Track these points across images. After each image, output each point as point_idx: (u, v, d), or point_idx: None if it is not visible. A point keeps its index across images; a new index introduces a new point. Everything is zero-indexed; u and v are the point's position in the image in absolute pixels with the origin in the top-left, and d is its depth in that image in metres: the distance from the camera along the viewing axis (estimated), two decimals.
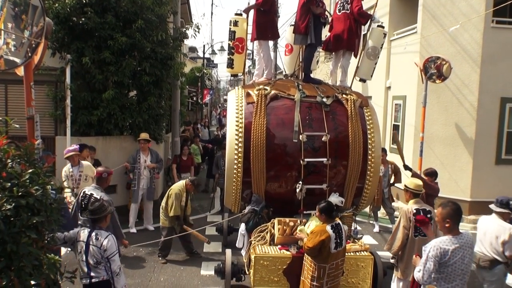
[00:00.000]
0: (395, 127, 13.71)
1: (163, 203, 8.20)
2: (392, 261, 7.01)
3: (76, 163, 8.20)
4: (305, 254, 5.54)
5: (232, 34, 7.94)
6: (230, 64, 8.08)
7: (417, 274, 4.41)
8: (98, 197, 6.01)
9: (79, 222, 6.31)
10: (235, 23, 7.92)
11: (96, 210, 4.84)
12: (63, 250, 6.69)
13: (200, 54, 34.39)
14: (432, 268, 4.26)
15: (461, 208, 4.41)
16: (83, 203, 6.20)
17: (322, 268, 5.37)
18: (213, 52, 32.61)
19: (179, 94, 14.41)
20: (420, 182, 6.44)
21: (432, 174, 8.27)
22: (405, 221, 6.03)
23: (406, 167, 8.60)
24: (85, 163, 8.42)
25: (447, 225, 4.27)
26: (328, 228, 5.31)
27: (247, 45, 8.13)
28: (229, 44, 8.05)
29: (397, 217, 10.20)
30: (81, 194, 6.37)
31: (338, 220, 5.56)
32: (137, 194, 9.80)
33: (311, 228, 5.99)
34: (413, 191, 6.22)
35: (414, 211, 5.97)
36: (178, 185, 8.23)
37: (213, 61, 34.90)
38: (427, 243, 5.92)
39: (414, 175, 7.91)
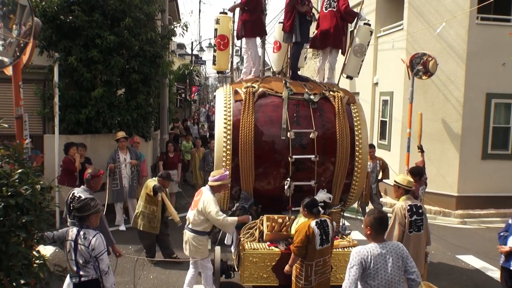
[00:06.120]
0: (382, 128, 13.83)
1: (143, 210, 7.75)
2: None
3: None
4: (294, 255, 5.43)
5: (215, 31, 8.03)
6: (213, 61, 8.18)
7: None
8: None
9: (68, 224, 6.28)
10: (217, 21, 8.04)
11: (81, 208, 4.85)
12: (52, 248, 6.69)
13: (189, 51, 34.39)
14: (356, 274, 3.97)
15: (387, 219, 4.24)
16: (71, 205, 6.16)
17: (309, 266, 5.36)
18: (201, 49, 32.62)
19: (168, 91, 14.41)
20: (410, 179, 6.40)
21: (415, 173, 7.64)
22: (400, 218, 5.96)
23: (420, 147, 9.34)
24: None
25: (368, 232, 4.17)
26: (313, 224, 5.32)
27: (234, 42, 8.18)
28: (213, 42, 8.15)
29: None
30: (70, 196, 6.33)
31: (325, 217, 5.58)
32: (120, 193, 9.77)
33: (299, 223, 6.04)
34: (405, 188, 6.22)
35: (408, 207, 5.97)
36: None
37: (201, 58, 34.89)
38: (422, 238, 6.04)
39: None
